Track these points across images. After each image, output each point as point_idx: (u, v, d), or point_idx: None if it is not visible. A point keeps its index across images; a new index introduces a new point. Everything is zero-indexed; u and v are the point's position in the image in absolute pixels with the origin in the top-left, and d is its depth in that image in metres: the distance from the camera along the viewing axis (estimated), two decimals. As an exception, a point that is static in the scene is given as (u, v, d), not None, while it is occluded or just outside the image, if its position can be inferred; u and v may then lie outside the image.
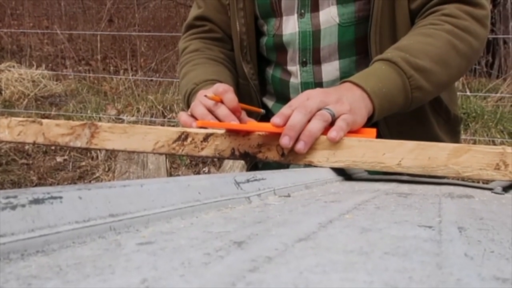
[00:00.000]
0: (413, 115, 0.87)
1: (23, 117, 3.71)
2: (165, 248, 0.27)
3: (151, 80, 4.46)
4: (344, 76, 0.92)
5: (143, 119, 3.69)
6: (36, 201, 0.26)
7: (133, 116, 3.72)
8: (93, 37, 5.19)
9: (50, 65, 5.02)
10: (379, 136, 0.85)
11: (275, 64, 1.01)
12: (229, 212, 0.40)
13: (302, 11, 0.92)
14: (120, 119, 3.70)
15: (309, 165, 0.70)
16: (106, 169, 3.29)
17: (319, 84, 0.95)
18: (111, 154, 3.31)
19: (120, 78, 4.48)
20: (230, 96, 0.80)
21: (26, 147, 3.37)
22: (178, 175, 3.17)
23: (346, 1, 0.89)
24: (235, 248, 0.26)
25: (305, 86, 0.96)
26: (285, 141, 0.69)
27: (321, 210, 0.41)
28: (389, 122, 0.90)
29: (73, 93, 4.29)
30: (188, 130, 0.74)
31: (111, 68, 5.08)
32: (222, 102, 0.80)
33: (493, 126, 3.32)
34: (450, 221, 0.37)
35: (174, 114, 3.72)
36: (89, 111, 3.85)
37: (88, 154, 3.42)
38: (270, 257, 0.24)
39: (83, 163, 3.38)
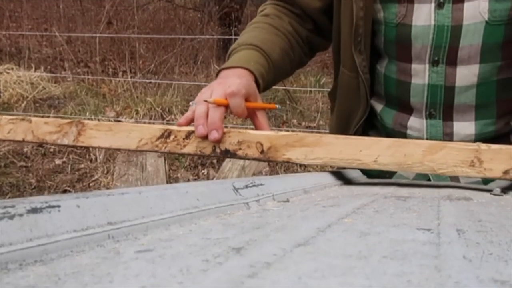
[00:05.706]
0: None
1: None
2: (164, 256, 0.27)
3: (150, 82, 4.46)
4: (481, 82, 0.81)
5: (142, 121, 3.68)
6: (34, 211, 0.26)
7: (132, 118, 3.72)
8: (92, 39, 5.19)
9: (48, 67, 5.02)
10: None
11: (389, 61, 0.88)
12: (228, 218, 0.40)
13: (442, 0, 0.78)
14: (119, 121, 3.70)
15: (287, 162, 0.71)
16: (105, 172, 3.29)
17: (450, 88, 0.82)
18: (110, 156, 3.31)
19: (119, 80, 4.48)
20: (237, 101, 0.73)
21: (25, 149, 3.37)
22: (177, 177, 3.17)
23: None
24: (233, 254, 0.26)
25: (433, 89, 0.83)
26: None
27: (319, 215, 0.41)
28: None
29: (71, 95, 4.28)
30: (171, 127, 0.75)
31: (110, 70, 5.07)
32: (227, 105, 0.73)
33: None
34: (449, 223, 0.37)
35: (172, 116, 3.72)
36: (87, 113, 3.84)
37: (87, 156, 3.41)
38: (268, 263, 0.24)
39: (82, 166, 3.37)
